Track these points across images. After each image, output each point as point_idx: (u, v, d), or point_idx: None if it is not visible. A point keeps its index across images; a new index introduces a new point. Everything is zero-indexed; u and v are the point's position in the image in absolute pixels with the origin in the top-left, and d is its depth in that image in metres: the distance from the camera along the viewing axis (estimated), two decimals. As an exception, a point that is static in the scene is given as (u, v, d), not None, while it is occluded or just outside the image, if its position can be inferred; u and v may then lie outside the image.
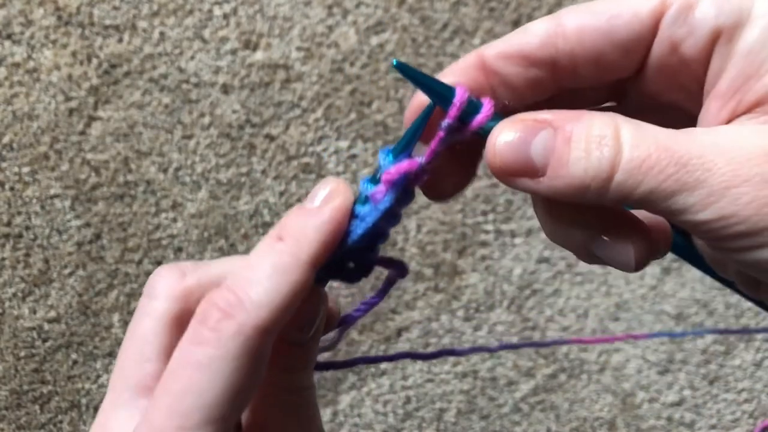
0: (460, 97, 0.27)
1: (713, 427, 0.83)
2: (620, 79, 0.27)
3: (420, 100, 0.29)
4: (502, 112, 0.27)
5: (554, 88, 0.28)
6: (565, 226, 0.28)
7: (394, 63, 0.27)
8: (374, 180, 0.29)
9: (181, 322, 0.28)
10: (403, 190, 0.29)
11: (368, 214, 0.28)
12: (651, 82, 0.27)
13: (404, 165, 0.28)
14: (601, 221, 0.28)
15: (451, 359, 0.80)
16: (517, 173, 0.25)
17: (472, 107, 0.27)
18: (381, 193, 0.28)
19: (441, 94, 0.28)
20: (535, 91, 0.28)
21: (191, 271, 0.29)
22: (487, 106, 0.27)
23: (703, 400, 0.83)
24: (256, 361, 0.25)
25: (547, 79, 0.27)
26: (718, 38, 0.24)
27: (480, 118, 0.27)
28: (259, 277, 0.26)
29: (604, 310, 0.81)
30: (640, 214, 0.29)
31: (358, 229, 0.28)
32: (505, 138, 0.25)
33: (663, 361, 0.82)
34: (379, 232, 0.29)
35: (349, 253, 0.29)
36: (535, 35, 0.26)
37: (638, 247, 0.27)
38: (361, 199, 0.29)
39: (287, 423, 0.29)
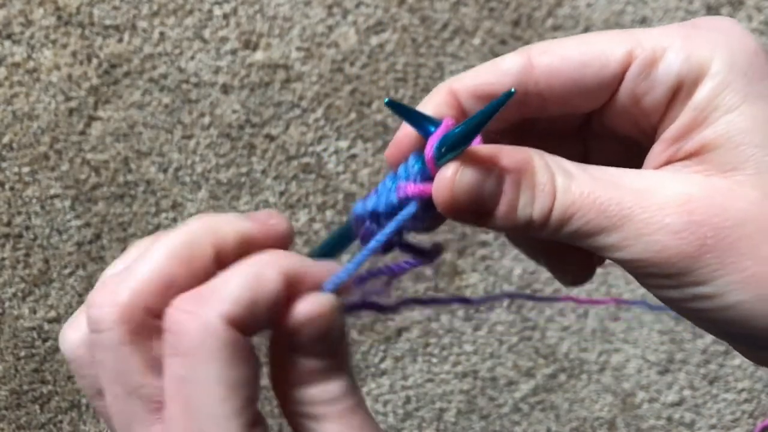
0: (444, 128, 0.28)
1: (713, 427, 0.83)
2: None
3: (405, 133, 0.30)
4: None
5: (521, 119, 0.29)
6: (517, 245, 0.33)
7: (386, 102, 0.28)
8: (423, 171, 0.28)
9: (141, 331, 0.26)
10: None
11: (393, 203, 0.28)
12: (611, 119, 0.29)
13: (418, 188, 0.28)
14: (543, 246, 0.32)
15: (452, 359, 0.80)
16: (466, 214, 0.27)
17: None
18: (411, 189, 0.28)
19: (426, 127, 0.28)
20: (502, 122, 0.29)
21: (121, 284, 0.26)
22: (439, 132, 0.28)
23: (703, 400, 0.83)
24: (237, 351, 0.24)
25: (515, 113, 0.29)
26: (678, 92, 0.26)
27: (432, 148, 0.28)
28: (228, 276, 0.25)
29: (604, 310, 0.81)
30: None
31: (380, 235, 0.28)
32: (459, 179, 0.26)
33: (663, 361, 0.82)
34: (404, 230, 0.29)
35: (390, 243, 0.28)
36: (506, 75, 0.27)
37: (572, 268, 0.32)
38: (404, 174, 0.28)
39: None
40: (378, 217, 0.29)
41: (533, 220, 0.26)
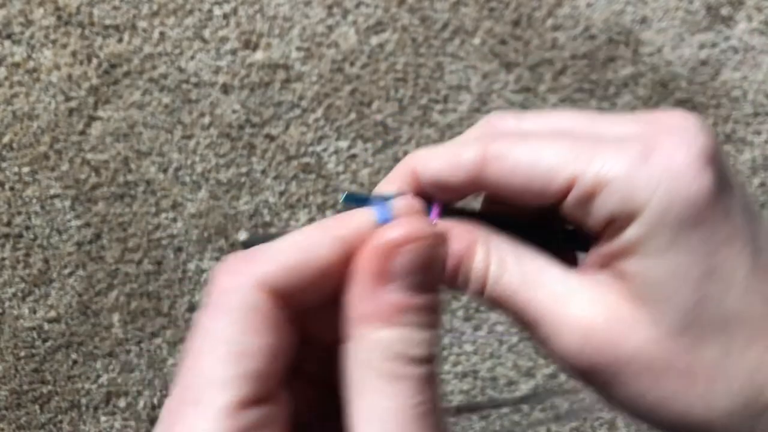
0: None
1: (713, 427, 0.83)
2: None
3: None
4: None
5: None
6: None
7: (342, 199, 0.29)
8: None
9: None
10: None
11: None
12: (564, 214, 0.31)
13: None
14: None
15: (452, 359, 0.80)
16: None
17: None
18: None
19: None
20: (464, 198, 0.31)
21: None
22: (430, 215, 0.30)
23: (703, 400, 0.83)
24: (260, 318, 0.22)
25: (475, 192, 0.31)
26: (611, 225, 0.27)
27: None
28: (279, 242, 0.24)
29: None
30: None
31: None
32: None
33: (663, 361, 0.82)
34: None
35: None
36: (461, 170, 0.29)
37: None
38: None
39: (395, 408, 0.23)
40: None
41: (471, 293, 0.29)
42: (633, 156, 0.26)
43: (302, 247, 0.23)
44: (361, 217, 0.25)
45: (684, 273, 0.26)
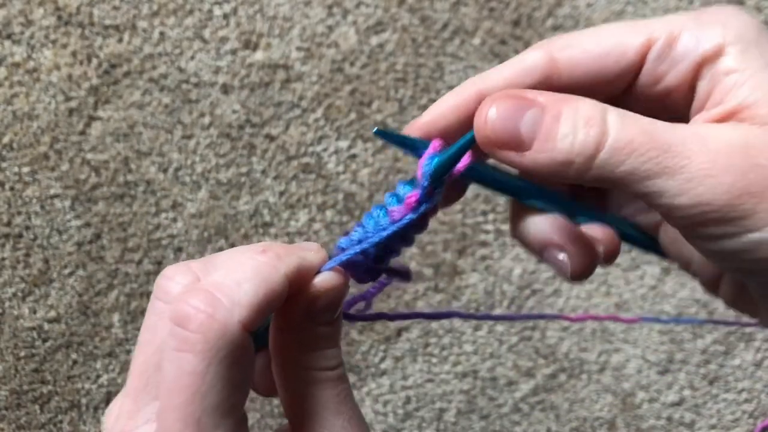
0: (433, 147, 0.30)
1: (713, 427, 0.83)
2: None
3: (441, 113, 0.31)
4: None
5: None
6: (523, 231, 0.33)
7: (374, 131, 0.30)
8: (411, 183, 0.31)
9: None
10: (420, 219, 0.31)
11: (384, 228, 0.31)
12: (636, 104, 0.29)
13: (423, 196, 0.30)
14: (551, 233, 0.32)
15: (452, 359, 0.80)
16: (504, 145, 0.27)
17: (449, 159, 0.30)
18: (399, 213, 0.31)
19: (418, 149, 0.30)
20: None
21: (202, 271, 0.29)
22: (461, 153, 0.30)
23: (703, 400, 0.83)
24: (244, 354, 0.26)
25: None
26: (702, 65, 0.27)
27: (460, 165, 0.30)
28: (239, 279, 0.27)
29: (604, 310, 0.81)
30: (590, 227, 0.34)
31: (374, 237, 0.31)
32: (497, 110, 0.27)
33: (663, 361, 0.82)
34: (390, 247, 0.32)
35: (365, 259, 0.31)
36: (532, 72, 0.29)
37: (576, 260, 0.32)
38: (392, 202, 0.31)
39: (325, 398, 0.30)
40: (364, 248, 0.32)
41: (574, 153, 0.25)
42: (692, 13, 0.28)
43: (263, 286, 0.27)
44: (301, 262, 0.30)
45: None
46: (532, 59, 0.29)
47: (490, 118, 0.27)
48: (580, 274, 0.33)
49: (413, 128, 0.31)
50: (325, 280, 0.30)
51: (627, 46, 0.28)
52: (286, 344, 0.31)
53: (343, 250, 0.32)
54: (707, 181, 0.24)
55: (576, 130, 0.25)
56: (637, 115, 0.26)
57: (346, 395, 0.31)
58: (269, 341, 0.32)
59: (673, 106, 0.29)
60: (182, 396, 0.25)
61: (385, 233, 0.30)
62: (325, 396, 0.30)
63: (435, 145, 0.29)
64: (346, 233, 0.32)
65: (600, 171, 0.25)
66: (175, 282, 0.28)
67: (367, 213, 0.32)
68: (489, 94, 0.29)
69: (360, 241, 0.31)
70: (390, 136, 0.30)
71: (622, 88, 0.29)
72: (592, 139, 0.25)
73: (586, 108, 0.26)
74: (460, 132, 0.29)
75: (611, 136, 0.25)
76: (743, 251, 0.25)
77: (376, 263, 0.32)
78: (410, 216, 0.30)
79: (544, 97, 0.27)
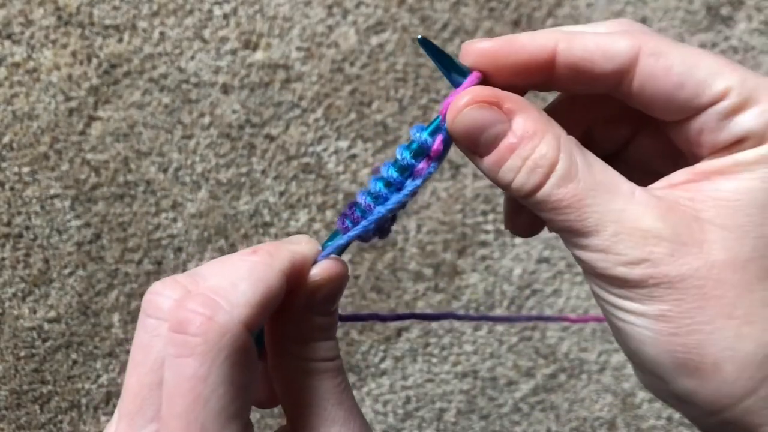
0: (471, 81, 0.29)
1: (713, 427, 0.83)
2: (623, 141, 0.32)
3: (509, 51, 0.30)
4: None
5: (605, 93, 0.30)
6: (518, 223, 0.35)
7: (419, 39, 0.29)
8: (409, 150, 0.30)
9: None
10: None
11: (409, 185, 0.30)
12: (641, 152, 0.32)
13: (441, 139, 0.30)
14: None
15: (452, 359, 0.80)
16: (465, 143, 0.29)
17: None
18: (424, 168, 0.30)
19: (457, 73, 0.29)
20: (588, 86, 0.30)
21: (191, 284, 0.28)
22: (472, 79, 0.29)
23: (703, 400, 0.83)
24: (247, 355, 0.26)
25: (604, 88, 0.30)
26: (742, 141, 0.27)
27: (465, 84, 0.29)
28: (234, 280, 0.27)
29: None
30: None
31: (399, 196, 0.30)
32: (471, 111, 0.28)
33: (663, 361, 0.82)
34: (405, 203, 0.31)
35: (380, 220, 0.31)
36: (612, 60, 0.28)
37: (526, 220, 0.35)
38: (397, 168, 0.30)
39: (326, 388, 0.30)
40: (371, 203, 0.31)
41: (512, 188, 0.28)
42: None
43: (260, 284, 0.27)
44: (294, 255, 0.30)
45: None
46: (620, 47, 0.28)
47: (462, 116, 0.28)
48: (529, 234, 0.36)
49: (470, 50, 0.29)
50: (324, 269, 0.30)
51: (706, 88, 0.27)
52: (284, 337, 0.31)
53: (345, 219, 0.31)
54: (611, 257, 0.27)
55: (518, 172, 0.27)
56: (584, 168, 0.27)
57: (345, 386, 0.31)
58: (265, 336, 0.32)
59: (688, 152, 0.30)
60: (184, 402, 0.25)
61: (412, 186, 0.30)
62: (326, 386, 0.30)
63: (473, 78, 0.28)
64: (352, 205, 0.32)
65: (529, 204, 0.28)
66: (164, 297, 0.27)
67: (374, 177, 0.31)
68: (560, 59, 0.28)
69: (369, 207, 0.31)
70: (433, 50, 0.29)
71: (676, 118, 0.29)
72: (528, 187, 0.27)
73: (544, 150, 0.27)
74: (510, 77, 0.29)
75: (544, 190, 0.27)
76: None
77: (392, 222, 0.32)
78: (435, 165, 0.29)
79: (520, 118, 0.27)
